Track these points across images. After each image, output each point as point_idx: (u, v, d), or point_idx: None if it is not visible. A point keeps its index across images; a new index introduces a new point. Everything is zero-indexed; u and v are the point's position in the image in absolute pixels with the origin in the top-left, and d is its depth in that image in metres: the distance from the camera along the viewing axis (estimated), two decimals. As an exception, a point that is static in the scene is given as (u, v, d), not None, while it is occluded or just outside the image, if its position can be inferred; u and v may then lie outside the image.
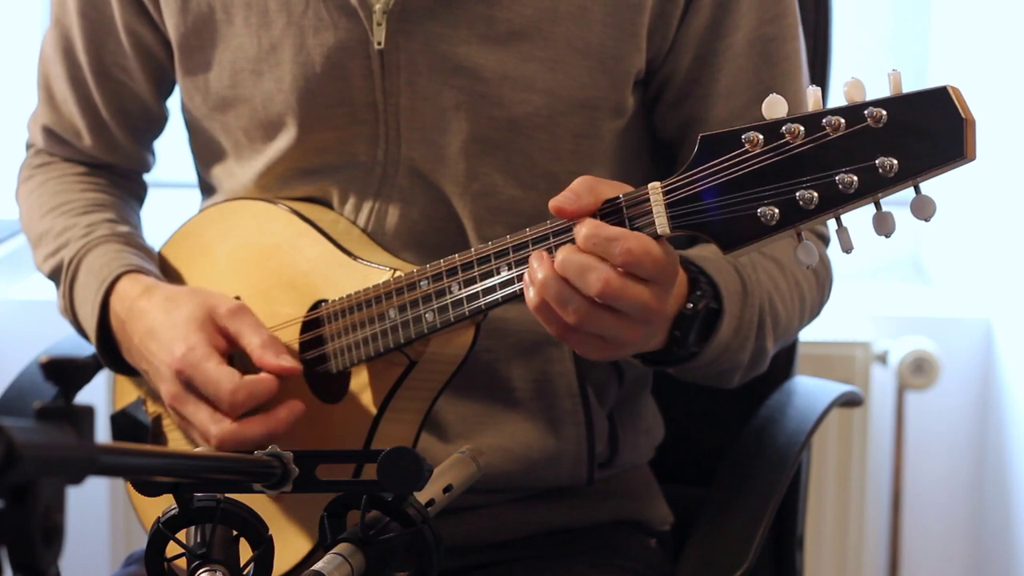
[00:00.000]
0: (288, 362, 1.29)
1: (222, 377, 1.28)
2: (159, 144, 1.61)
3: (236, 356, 1.33)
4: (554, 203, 1.13)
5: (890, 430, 2.38)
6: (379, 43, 1.34)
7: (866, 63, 2.50)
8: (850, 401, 1.67)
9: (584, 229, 1.11)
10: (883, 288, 2.51)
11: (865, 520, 2.33)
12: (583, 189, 1.13)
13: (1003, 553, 2.32)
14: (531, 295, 1.14)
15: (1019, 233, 2.25)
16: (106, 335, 1.40)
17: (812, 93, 1.05)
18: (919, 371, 2.30)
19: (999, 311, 2.35)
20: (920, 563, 2.43)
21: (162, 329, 1.32)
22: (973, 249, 2.44)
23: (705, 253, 1.30)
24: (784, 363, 1.67)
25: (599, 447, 1.45)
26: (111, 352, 1.41)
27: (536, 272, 1.13)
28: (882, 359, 2.33)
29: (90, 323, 1.41)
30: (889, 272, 2.56)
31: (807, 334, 1.54)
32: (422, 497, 1.07)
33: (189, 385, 1.30)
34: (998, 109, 2.28)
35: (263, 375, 1.28)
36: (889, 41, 2.54)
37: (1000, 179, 2.31)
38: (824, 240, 1.47)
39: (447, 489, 1.13)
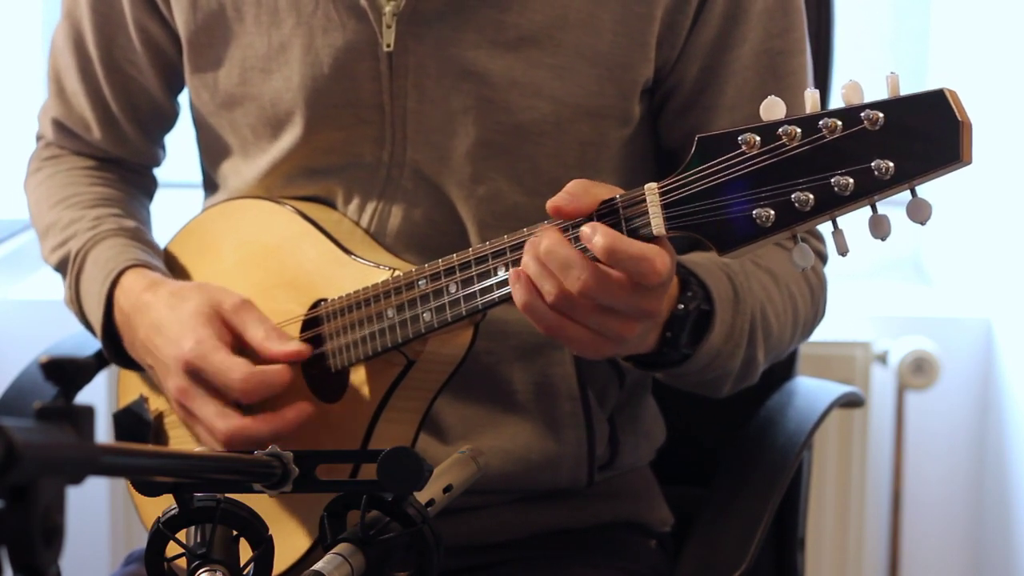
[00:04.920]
0: (294, 346, 1.29)
1: (233, 366, 1.28)
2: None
3: (243, 353, 1.33)
4: (552, 203, 1.13)
5: (890, 430, 2.38)
6: (388, 45, 1.34)
7: (867, 63, 2.50)
8: (851, 402, 1.67)
9: (602, 241, 1.10)
10: (883, 288, 2.51)
11: (865, 520, 2.33)
12: (579, 191, 1.13)
13: (1003, 553, 2.32)
14: (519, 291, 1.15)
15: (1019, 233, 2.25)
16: (111, 329, 1.41)
17: (810, 96, 1.05)
18: (919, 371, 2.30)
19: (999, 311, 2.35)
20: (920, 563, 2.43)
21: (168, 324, 1.32)
22: (973, 249, 2.44)
23: (697, 259, 1.30)
24: (784, 364, 1.66)
25: (599, 450, 1.45)
26: (115, 346, 1.41)
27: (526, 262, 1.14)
28: (882, 359, 2.33)
29: (96, 316, 1.41)
30: (889, 272, 2.56)
31: (807, 335, 1.53)
32: (422, 497, 1.07)
33: (198, 378, 1.30)
34: (998, 109, 2.28)
35: (275, 365, 1.28)
36: (890, 41, 2.54)
37: (1000, 179, 2.31)
38: (823, 259, 1.47)
39: (447, 489, 1.13)
